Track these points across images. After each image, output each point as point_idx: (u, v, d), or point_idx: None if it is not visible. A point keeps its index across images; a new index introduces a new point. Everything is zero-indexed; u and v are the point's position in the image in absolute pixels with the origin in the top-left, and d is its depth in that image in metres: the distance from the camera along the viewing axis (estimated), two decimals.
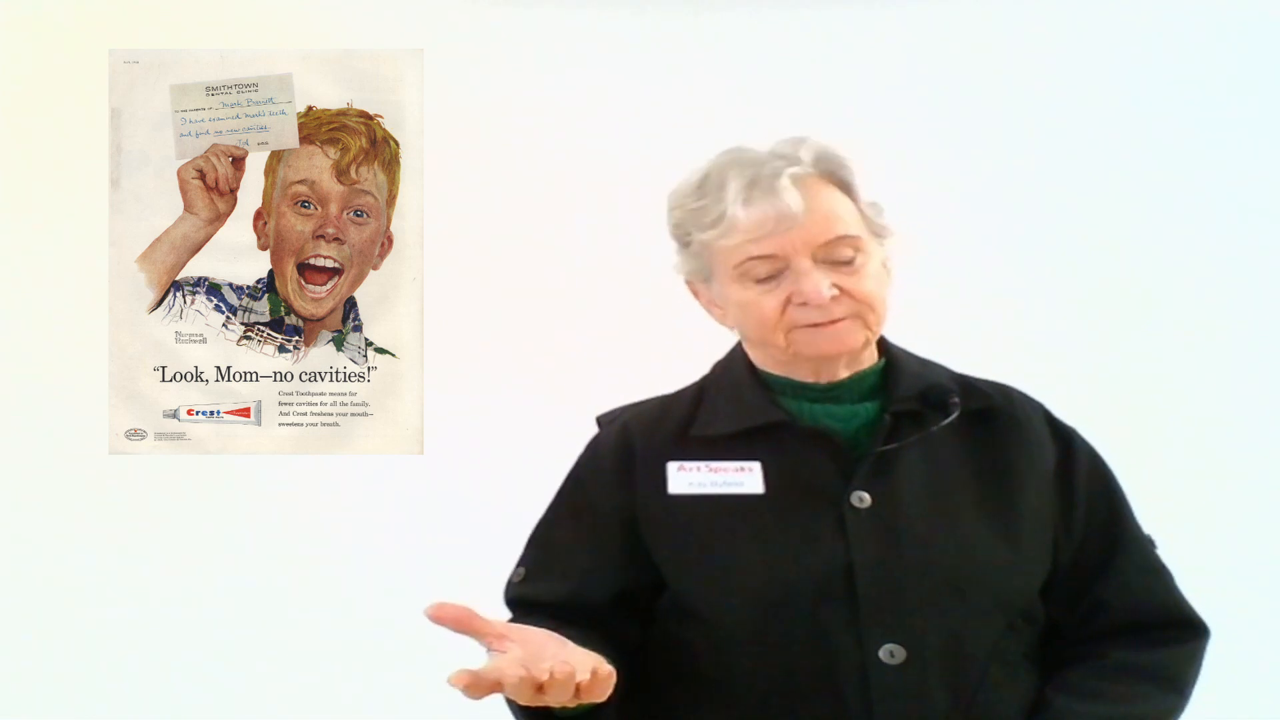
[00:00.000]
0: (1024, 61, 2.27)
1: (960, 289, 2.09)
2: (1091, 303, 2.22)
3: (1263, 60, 2.24)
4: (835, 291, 1.01)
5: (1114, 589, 1.04)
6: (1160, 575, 1.07)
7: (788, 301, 1.02)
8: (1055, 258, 2.21)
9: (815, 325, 1.02)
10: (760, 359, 1.11)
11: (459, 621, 0.86)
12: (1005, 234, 2.19)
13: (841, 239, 1.02)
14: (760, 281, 1.04)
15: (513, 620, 1.10)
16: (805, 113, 2.21)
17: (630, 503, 1.07)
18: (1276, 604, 2.08)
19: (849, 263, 1.02)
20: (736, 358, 1.14)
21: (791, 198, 1.00)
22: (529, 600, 1.10)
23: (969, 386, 1.09)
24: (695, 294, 1.15)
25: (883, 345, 1.12)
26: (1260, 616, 1.98)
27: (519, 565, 1.14)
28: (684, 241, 1.11)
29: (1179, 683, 1.03)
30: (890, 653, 0.96)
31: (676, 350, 2.03)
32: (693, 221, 1.07)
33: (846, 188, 1.05)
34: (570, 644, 0.89)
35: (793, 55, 2.29)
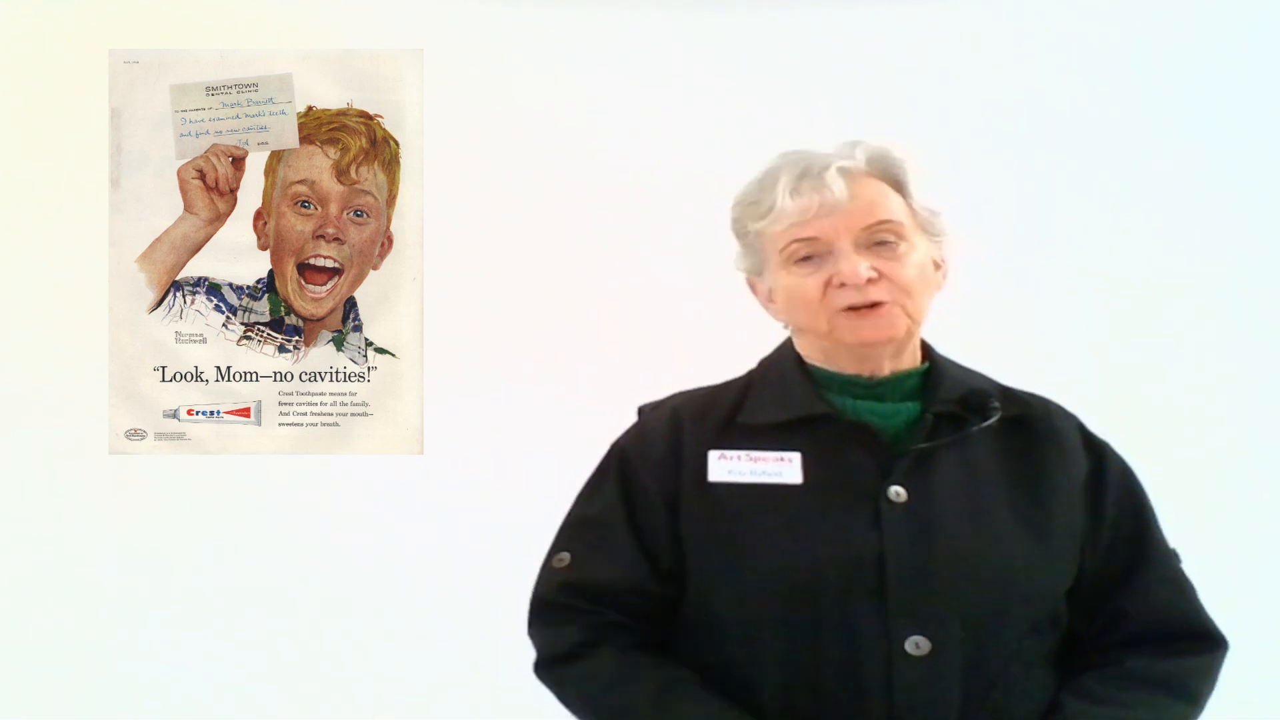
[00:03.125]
0: (1028, 62, 2.27)
1: (961, 290, 2.09)
2: (1096, 304, 2.22)
3: (1266, 58, 2.24)
4: (873, 274, 1.03)
5: (1136, 600, 1.06)
6: (1182, 588, 1.09)
7: (828, 284, 1.05)
8: (1058, 259, 2.21)
9: (856, 310, 1.05)
10: (807, 349, 1.13)
11: None
12: (1009, 235, 2.19)
13: (883, 224, 1.05)
14: (802, 263, 1.07)
15: (566, 605, 1.09)
16: (807, 113, 2.21)
17: (676, 488, 1.09)
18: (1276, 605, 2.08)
19: (891, 249, 1.05)
20: (784, 352, 1.16)
21: (836, 185, 1.04)
22: (584, 585, 1.09)
23: (1008, 394, 1.12)
24: (753, 290, 1.18)
25: (926, 349, 1.14)
26: (1263, 619, 1.97)
27: (560, 550, 1.13)
28: (742, 236, 1.14)
29: (1193, 693, 1.03)
30: (916, 644, 0.97)
31: (677, 349, 2.03)
32: (749, 215, 1.11)
33: (899, 186, 1.08)
34: None
35: (794, 55, 2.29)
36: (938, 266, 1.11)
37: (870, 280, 1.03)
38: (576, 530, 1.14)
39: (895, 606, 0.98)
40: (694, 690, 1.03)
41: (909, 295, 1.05)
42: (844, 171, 1.05)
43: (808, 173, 1.06)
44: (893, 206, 1.06)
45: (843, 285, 1.04)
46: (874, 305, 1.04)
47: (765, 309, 1.16)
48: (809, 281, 1.06)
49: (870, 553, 1.00)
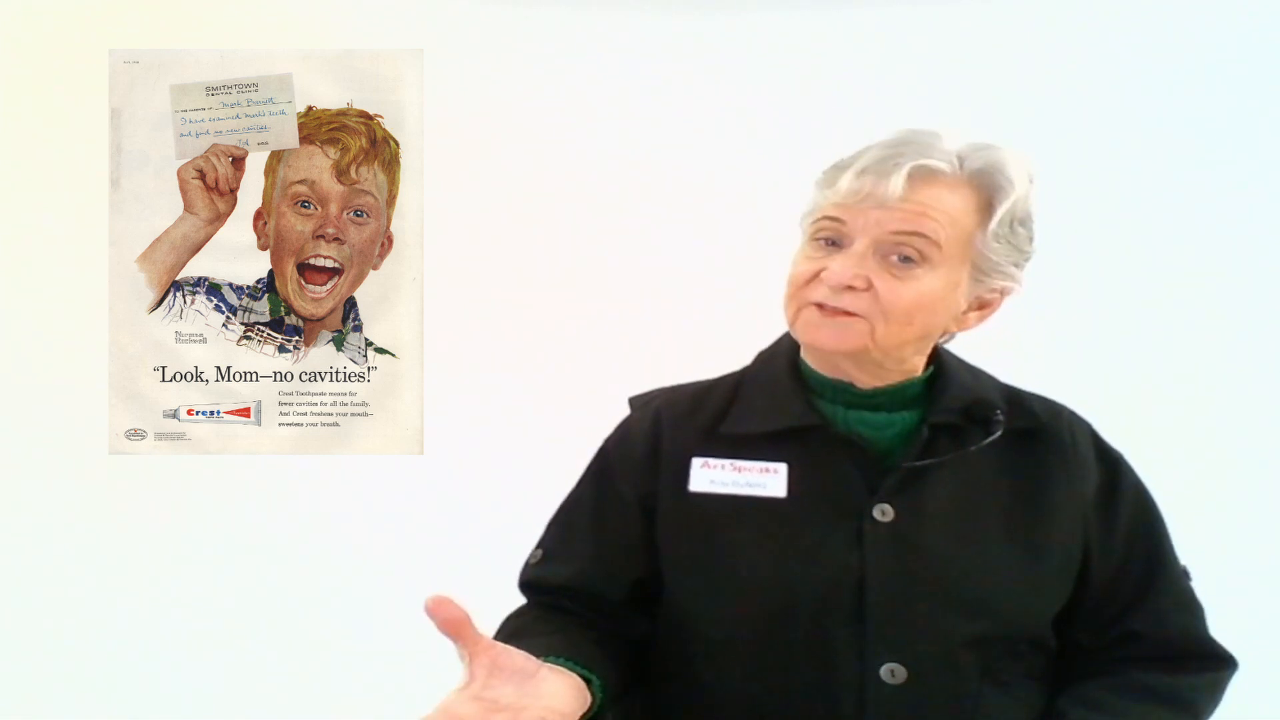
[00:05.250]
0: (1026, 64, 2.27)
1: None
2: (1108, 309, 2.22)
3: (1267, 60, 2.24)
4: (859, 282, 0.96)
5: (1148, 623, 1.03)
6: (1193, 610, 1.06)
7: (817, 274, 0.99)
8: (1066, 263, 2.21)
9: (821, 310, 0.98)
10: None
11: (451, 624, 0.85)
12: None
13: (913, 235, 0.95)
14: (819, 244, 1.00)
15: (528, 603, 1.11)
16: (806, 113, 2.20)
17: (654, 492, 1.06)
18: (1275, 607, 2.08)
19: (906, 268, 0.96)
20: (780, 351, 1.11)
21: (895, 184, 0.95)
22: (542, 583, 1.09)
23: (1017, 403, 1.06)
24: None
25: (934, 352, 1.07)
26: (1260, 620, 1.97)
27: (538, 546, 1.13)
28: (814, 193, 1.07)
29: (1195, 709, 1.02)
30: (891, 671, 0.94)
31: (677, 349, 2.03)
32: (824, 176, 1.04)
33: (987, 205, 0.97)
34: (543, 680, 0.87)
35: (795, 58, 2.29)
36: (983, 305, 1.02)
37: (850, 287, 0.96)
38: (554, 527, 1.14)
39: (873, 632, 0.94)
40: (572, 626, 1.02)
41: (887, 320, 0.96)
42: (922, 171, 0.95)
43: (885, 160, 0.96)
44: (941, 224, 0.95)
45: (822, 281, 0.98)
46: (840, 311, 0.97)
47: None
48: (808, 264, 1.00)
49: (850, 574, 0.96)
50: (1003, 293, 1.02)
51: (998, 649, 0.98)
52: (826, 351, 1.01)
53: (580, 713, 0.89)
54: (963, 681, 0.96)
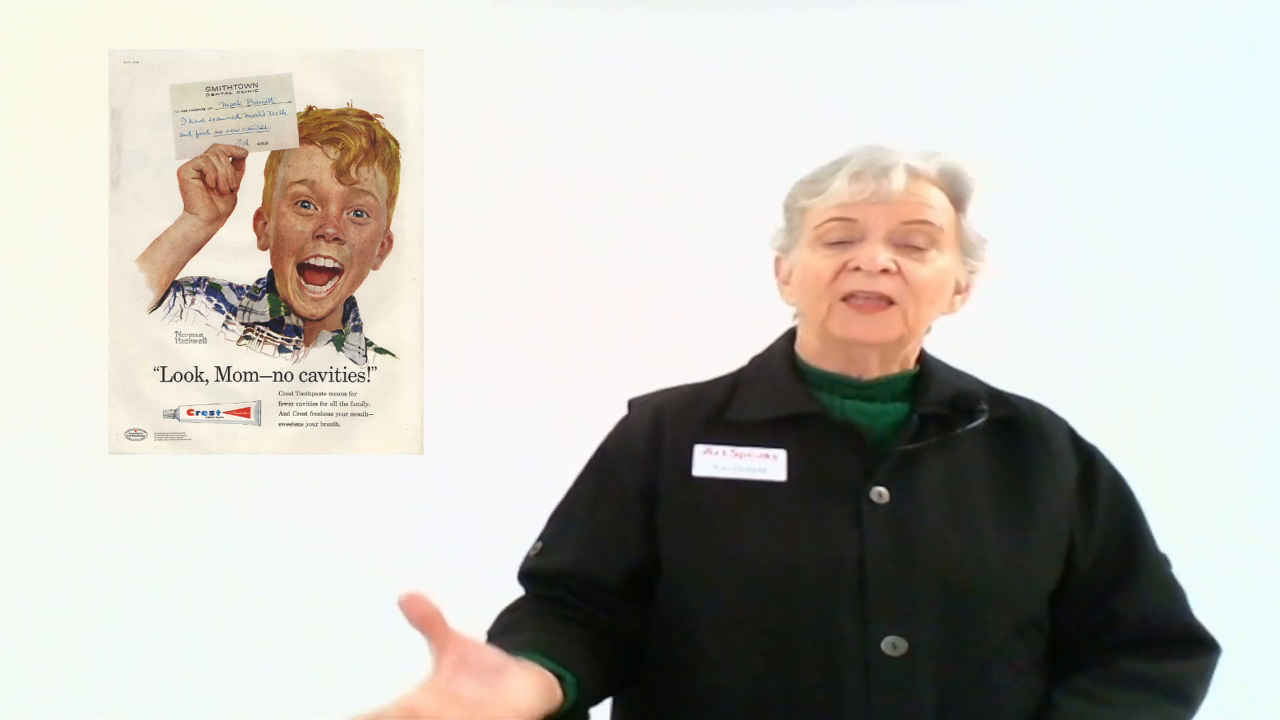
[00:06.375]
0: (1023, 66, 2.27)
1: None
2: (1090, 308, 2.22)
3: (1267, 60, 2.24)
4: (892, 266, 1.03)
5: (1128, 606, 1.06)
6: (1174, 594, 1.09)
7: (843, 267, 1.05)
8: (1056, 263, 2.21)
9: (857, 303, 1.04)
10: (805, 339, 1.14)
11: (423, 619, 0.85)
12: (1014, 236, 2.19)
13: (923, 223, 1.05)
14: (831, 245, 1.07)
15: (524, 595, 1.13)
16: (806, 114, 2.21)
17: (654, 481, 1.09)
18: (1275, 607, 2.08)
19: (920, 250, 1.05)
20: (776, 350, 1.17)
21: (897, 180, 1.04)
22: (540, 573, 1.12)
23: (998, 396, 1.12)
24: (776, 270, 1.19)
25: (920, 352, 1.14)
26: (1259, 621, 1.97)
27: (538, 540, 1.16)
28: (789, 212, 1.14)
29: (1187, 695, 1.04)
30: (893, 644, 0.98)
31: (676, 349, 2.03)
32: (803, 192, 1.11)
33: (958, 202, 1.09)
34: (510, 677, 0.87)
35: (793, 58, 2.29)
36: (959, 290, 1.11)
37: (885, 271, 1.03)
38: (553, 520, 1.17)
39: (873, 606, 0.98)
40: (560, 622, 1.04)
41: (916, 300, 1.04)
42: (910, 170, 1.05)
43: (874, 164, 1.05)
44: (939, 211, 1.06)
45: (856, 269, 1.04)
46: (876, 303, 1.04)
47: (780, 291, 1.17)
48: (827, 262, 1.06)
49: (850, 553, 1.00)
50: (974, 273, 1.12)
51: (1003, 626, 1.01)
52: (863, 344, 1.07)
53: (547, 711, 0.91)
54: (966, 658, 0.99)
